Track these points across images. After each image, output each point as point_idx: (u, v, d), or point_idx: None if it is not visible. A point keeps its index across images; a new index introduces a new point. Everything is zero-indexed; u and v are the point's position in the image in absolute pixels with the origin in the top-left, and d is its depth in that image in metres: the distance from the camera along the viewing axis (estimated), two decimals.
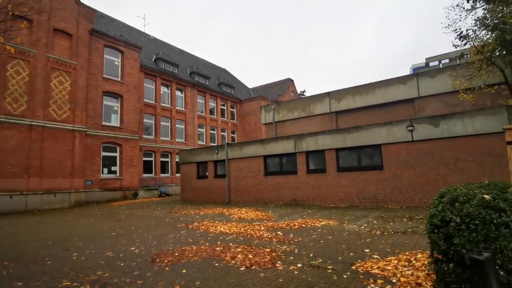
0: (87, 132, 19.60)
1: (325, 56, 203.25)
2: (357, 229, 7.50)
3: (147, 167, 26.43)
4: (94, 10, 21.82)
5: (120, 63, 22.58)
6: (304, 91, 56.78)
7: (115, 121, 22.07)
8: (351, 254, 5.33)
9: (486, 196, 2.33)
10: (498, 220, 2.10)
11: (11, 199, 15.79)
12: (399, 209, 10.81)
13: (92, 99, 20.31)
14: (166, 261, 5.40)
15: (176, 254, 5.84)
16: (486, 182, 2.90)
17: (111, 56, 22.13)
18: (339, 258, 5.10)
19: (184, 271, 4.79)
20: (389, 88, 15.68)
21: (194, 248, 6.26)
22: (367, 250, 5.47)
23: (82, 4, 19.98)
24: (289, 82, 44.20)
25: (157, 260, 5.50)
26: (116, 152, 21.85)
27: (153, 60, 29.44)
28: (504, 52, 8.31)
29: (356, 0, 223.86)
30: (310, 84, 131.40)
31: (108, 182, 20.86)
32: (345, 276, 4.20)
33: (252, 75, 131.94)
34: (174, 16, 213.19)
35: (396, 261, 4.60)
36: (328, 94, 17.95)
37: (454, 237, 2.18)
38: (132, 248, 6.55)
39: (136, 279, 4.53)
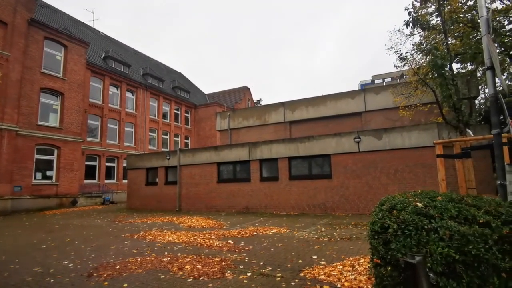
0: (18, 132, 17.43)
1: (285, 66, 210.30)
2: (306, 236, 7.70)
3: (90, 172, 24.37)
4: None
5: (62, 58, 20.64)
6: (260, 100, 57.91)
7: (53, 121, 20.00)
8: (300, 261, 5.43)
9: (419, 204, 2.54)
10: (429, 226, 2.29)
11: None
12: (345, 216, 11.41)
13: (27, 95, 18.20)
14: (105, 275, 4.94)
15: (118, 267, 5.39)
16: (420, 191, 3.17)
17: (53, 49, 20.15)
18: (288, 266, 5.15)
19: (125, 285, 4.41)
20: (339, 102, 16.70)
21: (139, 259, 5.84)
22: (315, 257, 5.63)
23: None
24: (245, 90, 44.69)
25: (95, 274, 5.00)
26: (53, 155, 19.75)
27: (102, 58, 27.56)
28: (435, 75, 9.39)
29: (324, 12, 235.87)
30: (267, 93, 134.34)
31: (42, 188, 18.70)
32: (293, 283, 4.25)
33: (209, 81, 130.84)
34: (129, 15, 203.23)
35: (341, 267, 4.80)
36: (283, 104, 18.48)
37: (391, 243, 2.33)
38: (66, 262, 5.88)
39: None
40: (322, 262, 5.21)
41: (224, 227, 9.92)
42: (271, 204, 13.61)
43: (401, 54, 10.95)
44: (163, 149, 31.28)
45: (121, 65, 28.75)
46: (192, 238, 7.95)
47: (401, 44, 11.33)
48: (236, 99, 42.08)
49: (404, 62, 10.93)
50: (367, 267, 4.60)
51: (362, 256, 5.39)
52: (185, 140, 36.46)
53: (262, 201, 13.83)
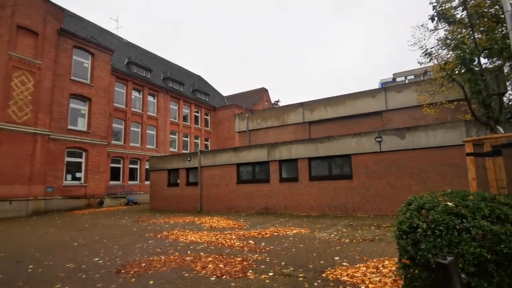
0: (50, 136, 18.40)
1: (303, 67, 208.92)
2: (327, 237, 7.61)
3: (115, 174, 25.26)
4: (63, 9, 20.85)
5: (90, 65, 21.62)
6: (278, 101, 57.76)
7: (82, 125, 20.95)
8: (322, 261, 5.38)
9: (450, 203, 2.46)
10: (460, 226, 2.21)
11: None
12: (367, 218, 11.16)
13: (58, 101, 19.19)
14: (132, 272, 5.12)
15: (143, 264, 5.57)
16: (449, 190, 3.07)
17: (81, 57, 21.15)
18: (310, 266, 5.12)
19: (151, 282, 4.56)
20: (359, 101, 16.38)
21: (163, 258, 6.01)
22: (337, 258, 5.55)
23: (50, 2, 19.01)
24: (263, 92, 44.78)
25: (122, 271, 5.20)
26: (81, 157, 20.68)
27: (125, 63, 28.56)
28: (463, 70, 9.01)
29: (341, 13, 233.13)
30: (285, 94, 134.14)
31: (72, 190, 19.62)
32: (315, 284, 4.22)
33: (227, 83, 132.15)
34: (150, 22, 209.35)
35: (364, 268, 4.71)
36: (301, 104, 18.37)
37: (421, 243, 2.27)
38: (96, 259, 6.15)
39: None
40: (344, 263, 5.14)
41: (245, 227, 9.98)
42: (290, 205, 13.55)
43: (426, 50, 10.59)
44: (183, 151, 31.92)
45: (143, 70, 29.67)
46: (213, 238, 8.06)
47: (424, 39, 10.92)
48: (254, 101, 42.25)
49: (429, 58, 10.56)
50: (392, 269, 4.49)
51: (386, 258, 5.26)
52: (205, 142, 37.02)
53: (281, 202, 13.79)
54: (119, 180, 25.56)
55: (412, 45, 10.98)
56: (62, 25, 19.83)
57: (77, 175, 20.35)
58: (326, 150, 13.02)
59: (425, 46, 10.69)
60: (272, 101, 49.82)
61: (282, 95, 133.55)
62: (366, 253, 5.84)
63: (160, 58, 38.81)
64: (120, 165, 25.88)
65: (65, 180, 19.45)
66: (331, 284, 4.17)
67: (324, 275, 4.59)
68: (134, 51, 33.28)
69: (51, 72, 18.60)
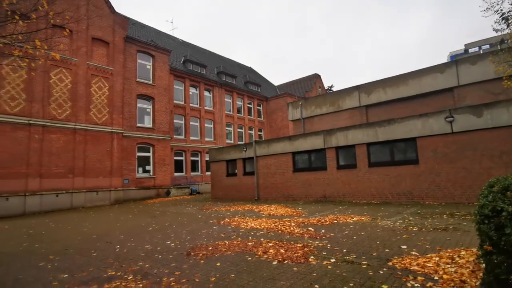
0: (123, 134, 20.67)
1: (357, 52, 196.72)
2: (391, 225, 7.23)
3: (178, 166, 27.31)
4: (128, 18, 22.89)
5: (151, 66, 23.55)
6: (331, 86, 55.63)
7: (148, 122, 23.06)
8: (387, 250, 5.15)
9: None
10: None
11: (57, 197, 17.08)
12: (437, 205, 10.26)
13: (128, 102, 21.38)
14: (200, 254, 5.57)
15: (210, 248, 6.00)
16: None
17: (143, 60, 23.14)
18: (374, 254, 4.95)
19: (218, 264, 4.91)
20: (424, 78, 14.87)
21: (227, 243, 6.39)
22: (404, 247, 5.26)
23: (117, 13, 21.05)
24: (316, 78, 43.46)
25: (192, 253, 5.69)
26: (149, 152, 22.84)
27: (181, 62, 30.31)
28: None
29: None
30: (339, 78, 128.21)
31: (143, 181, 21.86)
32: (381, 272, 4.08)
33: (278, 72, 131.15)
34: (200, 19, 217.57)
35: (437, 258, 4.38)
36: (357, 87, 17.42)
37: (505, 227, 2.04)
38: (168, 242, 6.83)
39: (173, 270, 4.72)
40: (413, 253, 4.85)
41: (303, 215, 10.01)
42: (349, 192, 13.12)
43: (503, 14, 9.10)
44: (239, 142, 32.95)
45: (198, 66, 31.16)
46: (273, 225, 8.27)
47: (498, 4, 9.37)
48: (307, 88, 41.33)
49: (506, 24, 9.08)
50: (470, 259, 4.11)
51: (462, 248, 4.81)
52: (259, 133, 37.63)
53: (339, 190, 13.43)
54: (183, 172, 27.58)
55: (484, 10, 9.52)
56: (127, 33, 21.83)
57: (147, 168, 22.55)
58: (386, 134, 12.22)
59: (501, 10, 9.18)
60: (326, 87, 48.14)
61: (336, 80, 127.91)
62: (438, 242, 5.42)
63: (212, 54, 40.24)
64: (183, 158, 27.87)
65: (137, 173, 21.74)
66: (399, 273, 3.99)
67: (390, 263, 4.40)
68: (189, 49, 35.06)
69: (121, 76, 20.74)
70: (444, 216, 8.11)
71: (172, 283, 4.15)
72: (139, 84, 22.35)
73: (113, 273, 4.80)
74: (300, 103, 20.15)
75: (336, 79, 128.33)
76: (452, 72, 14.09)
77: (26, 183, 15.85)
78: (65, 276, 4.83)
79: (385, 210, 9.95)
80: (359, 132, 13.01)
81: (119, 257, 5.80)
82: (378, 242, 5.70)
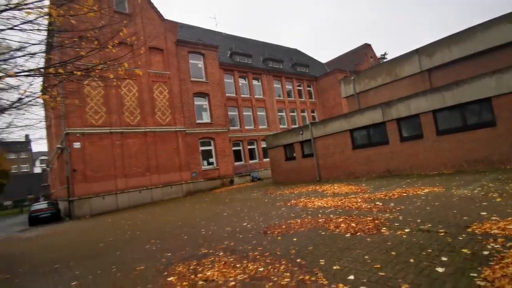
0: (186, 131, 22.48)
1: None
2: (469, 194, 6.90)
3: (237, 156, 28.66)
4: (177, 23, 24.37)
5: (202, 64, 24.89)
6: (385, 54, 51.70)
7: (206, 118, 24.62)
8: (465, 217, 5.06)
9: None
10: None
11: (140, 193, 19.56)
12: None
13: (186, 101, 23.08)
14: (276, 232, 6.14)
15: (283, 226, 6.54)
16: None
17: (195, 60, 24.56)
18: (451, 222, 4.92)
19: (295, 239, 5.41)
20: (494, 30, 13.09)
21: (298, 221, 6.86)
22: (484, 213, 5.10)
23: (167, 20, 22.60)
24: (366, 48, 40.84)
25: (268, 232, 6.29)
26: (210, 145, 24.46)
27: (228, 55, 31.24)
28: None
29: None
30: (394, 44, 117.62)
31: (208, 173, 23.61)
32: (460, 238, 4.12)
33: (326, 47, 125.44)
34: (240, 8, 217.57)
35: None
36: (416, 51, 16.09)
37: None
38: (244, 224, 7.57)
39: (256, 246, 5.36)
40: (493, 218, 4.71)
41: (368, 191, 9.96)
42: (416, 164, 12.50)
43: None
44: (293, 126, 33.05)
45: (244, 57, 31.79)
46: (339, 202, 8.48)
47: None
48: (357, 61, 39.15)
49: None
50: None
51: None
52: (312, 114, 37.12)
53: (405, 163, 12.88)
54: (242, 161, 28.89)
55: None
56: (177, 37, 23.33)
57: (210, 160, 24.24)
58: (455, 98, 11.26)
59: None
60: (378, 56, 44.93)
61: (389, 47, 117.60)
62: None
63: (256, 41, 40.41)
64: (240, 148, 29.13)
65: (203, 165, 23.53)
66: (479, 237, 3.99)
67: (469, 230, 4.39)
68: (233, 41, 35.81)
69: (177, 78, 22.41)
70: None
71: (258, 256, 4.77)
72: (193, 83, 23.86)
73: (206, 251, 5.63)
74: (352, 78, 19.41)
75: (390, 46, 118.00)
76: None
77: (116, 183, 18.49)
78: (169, 254, 5.83)
79: (460, 179, 9.36)
80: (423, 100, 12.21)
81: (206, 238, 6.70)
82: (454, 211, 5.59)
